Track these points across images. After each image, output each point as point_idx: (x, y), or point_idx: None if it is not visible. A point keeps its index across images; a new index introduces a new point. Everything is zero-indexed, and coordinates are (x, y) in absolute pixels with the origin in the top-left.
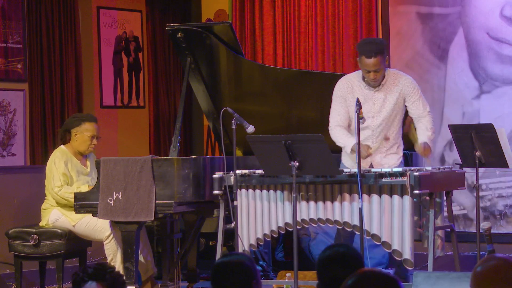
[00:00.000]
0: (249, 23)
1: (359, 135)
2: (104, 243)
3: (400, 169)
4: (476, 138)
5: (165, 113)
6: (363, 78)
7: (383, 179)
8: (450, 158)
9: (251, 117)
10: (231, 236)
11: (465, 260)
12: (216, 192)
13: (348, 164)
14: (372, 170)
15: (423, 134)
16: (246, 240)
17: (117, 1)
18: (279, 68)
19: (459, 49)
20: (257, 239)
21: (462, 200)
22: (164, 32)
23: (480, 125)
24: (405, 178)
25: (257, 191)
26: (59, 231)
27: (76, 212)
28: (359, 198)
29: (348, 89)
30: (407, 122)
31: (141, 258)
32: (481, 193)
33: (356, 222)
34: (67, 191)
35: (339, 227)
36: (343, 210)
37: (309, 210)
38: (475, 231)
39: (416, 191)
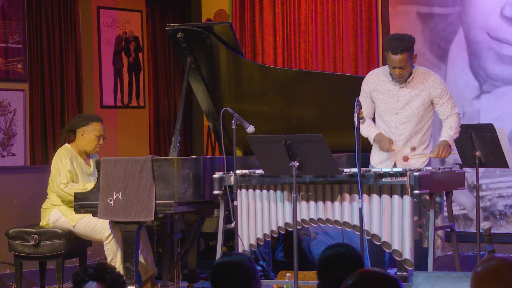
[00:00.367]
0: (249, 23)
1: (359, 135)
2: (104, 243)
3: (400, 169)
4: (476, 138)
5: (165, 113)
6: (391, 74)
7: (383, 179)
8: (450, 158)
9: (251, 117)
10: (231, 236)
11: (465, 260)
12: (216, 192)
13: (375, 162)
14: (372, 170)
15: (445, 132)
16: (246, 240)
17: (117, 1)
18: (279, 68)
19: (459, 49)
20: (257, 239)
21: (462, 200)
22: (164, 32)
23: (480, 125)
24: (405, 178)
25: (257, 191)
26: (59, 231)
27: (76, 212)
28: (359, 198)
29: (374, 83)
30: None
31: (141, 258)
32: (481, 193)
33: (356, 222)
34: (73, 188)
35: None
36: (343, 210)
37: (309, 210)
38: (475, 231)
39: (416, 191)
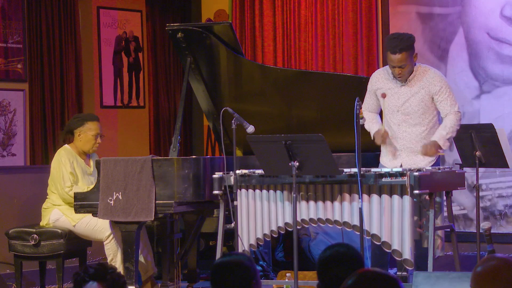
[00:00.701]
0: (249, 23)
1: (359, 135)
2: (104, 243)
3: (400, 169)
4: (476, 138)
5: (165, 113)
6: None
7: (383, 179)
8: (450, 158)
9: (251, 117)
10: (231, 236)
11: (465, 260)
12: (216, 192)
13: (383, 161)
14: (372, 170)
15: (438, 132)
16: (246, 240)
17: (117, 1)
18: (279, 68)
19: (459, 49)
20: (257, 239)
21: (462, 200)
22: (164, 32)
23: (480, 125)
24: (405, 178)
25: (257, 191)
26: (59, 231)
27: (76, 212)
28: (359, 198)
29: (377, 82)
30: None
31: (141, 258)
32: (481, 193)
33: (356, 222)
34: (77, 191)
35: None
36: (343, 210)
37: (309, 210)
38: (475, 231)
39: (416, 191)
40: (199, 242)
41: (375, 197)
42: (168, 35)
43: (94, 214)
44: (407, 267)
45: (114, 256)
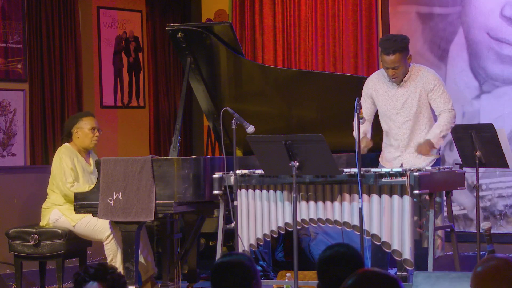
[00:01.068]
0: (249, 23)
1: (359, 135)
2: (104, 243)
3: (399, 169)
4: (476, 138)
5: (165, 113)
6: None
7: (383, 179)
8: (450, 158)
9: (251, 117)
10: (231, 236)
11: (465, 260)
12: (216, 192)
13: (383, 162)
14: (372, 170)
15: (432, 131)
16: (246, 240)
17: (117, 1)
18: (279, 68)
19: (459, 49)
20: (257, 239)
21: (462, 200)
22: (164, 32)
23: (480, 125)
24: (405, 178)
25: (257, 191)
26: (59, 231)
27: (76, 212)
28: (359, 198)
29: (375, 85)
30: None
31: (141, 258)
32: (481, 193)
33: (356, 222)
34: (79, 189)
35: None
36: (343, 210)
37: (309, 210)
38: (475, 231)
39: (416, 191)
40: (199, 242)
41: (375, 197)
42: (168, 35)
43: (94, 214)
44: (407, 267)
45: (114, 256)
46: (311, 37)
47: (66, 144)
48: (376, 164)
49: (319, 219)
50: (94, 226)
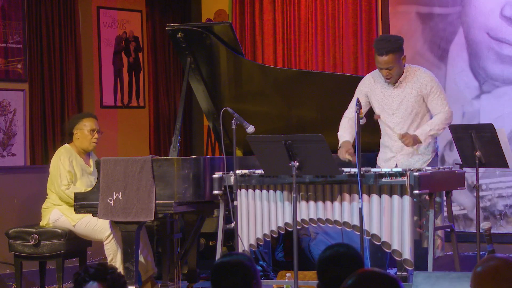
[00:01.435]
0: (249, 23)
1: (359, 135)
2: (104, 243)
3: (399, 169)
4: (476, 138)
5: (165, 113)
6: None
7: (383, 179)
8: (450, 158)
9: (251, 117)
10: (231, 236)
11: (465, 260)
12: (216, 192)
13: (380, 162)
14: (372, 170)
15: (422, 127)
16: (246, 240)
17: (117, 1)
18: (279, 68)
19: (459, 49)
20: (257, 239)
21: (462, 200)
22: (164, 32)
23: (480, 125)
24: (405, 178)
25: (257, 191)
26: (59, 231)
27: (76, 212)
28: (359, 198)
29: (370, 85)
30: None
31: (141, 258)
32: (481, 193)
33: (356, 222)
34: (75, 190)
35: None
36: (343, 210)
37: (309, 210)
38: (475, 231)
39: (416, 191)
40: (199, 242)
41: (375, 197)
42: (168, 35)
43: (94, 214)
44: (407, 267)
45: (114, 256)
46: (311, 37)
47: (66, 145)
48: (375, 163)
49: (319, 219)
50: (94, 226)
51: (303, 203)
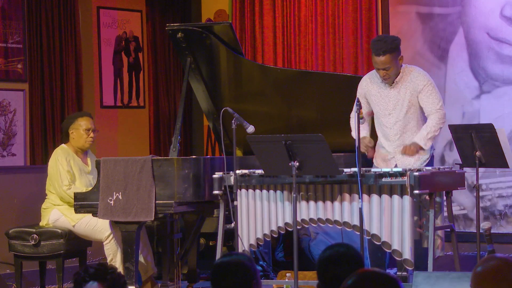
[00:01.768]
0: (249, 23)
1: (359, 135)
2: (104, 243)
3: (399, 169)
4: (476, 138)
5: (165, 113)
6: None
7: (383, 179)
8: (450, 158)
9: (251, 117)
10: (231, 236)
11: (465, 260)
12: (216, 192)
13: (378, 162)
14: (372, 170)
15: (419, 133)
16: (246, 240)
17: (117, 1)
18: (279, 68)
19: (459, 49)
20: (257, 239)
21: (462, 200)
22: (164, 32)
23: (480, 125)
24: (405, 178)
25: (257, 191)
26: (59, 231)
27: (76, 212)
28: (359, 198)
29: (367, 85)
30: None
31: (141, 258)
32: (481, 193)
33: (356, 222)
34: (76, 190)
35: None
36: (343, 210)
37: (309, 210)
38: (475, 231)
39: (416, 191)
40: (199, 242)
41: (375, 197)
42: (168, 35)
43: (94, 214)
44: (407, 267)
45: (114, 256)
46: (311, 37)
47: (63, 145)
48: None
49: (319, 219)
50: (94, 226)
51: (303, 203)
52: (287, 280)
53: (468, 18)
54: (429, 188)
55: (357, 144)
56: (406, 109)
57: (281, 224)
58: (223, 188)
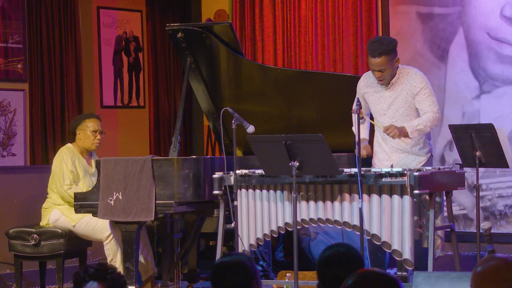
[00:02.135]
0: (249, 23)
1: (359, 135)
2: (104, 243)
3: (400, 169)
4: (476, 138)
5: (165, 113)
6: None
7: (383, 179)
8: (450, 158)
9: (251, 117)
10: (231, 236)
11: (465, 260)
12: (216, 192)
13: (375, 162)
14: (372, 170)
15: (411, 121)
16: (246, 240)
17: (117, 1)
18: (279, 68)
19: (459, 49)
20: (257, 239)
21: (462, 200)
22: (164, 32)
23: (480, 125)
24: (405, 178)
25: (257, 191)
26: (59, 231)
27: (76, 212)
28: (359, 198)
29: (365, 86)
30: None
31: (141, 258)
32: (481, 193)
33: (356, 222)
34: (77, 189)
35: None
36: (343, 210)
37: (309, 210)
38: (475, 231)
39: (416, 191)
40: (199, 242)
41: (375, 197)
42: (168, 35)
43: (94, 214)
44: (407, 267)
45: (114, 256)
46: (311, 37)
47: (69, 144)
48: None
49: (319, 219)
50: (94, 226)
51: (303, 203)
52: (287, 280)
53: (468, 18)
54: (429, 188)
55: (357, 144)
56: (402, 110)
57: (281, 224)
58: (223, 188)
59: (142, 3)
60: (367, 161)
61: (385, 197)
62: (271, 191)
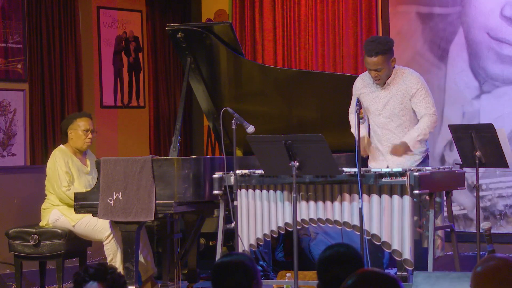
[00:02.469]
0: (249, 23)
1: (359, 135)
2: (104, 243)
3: (400, 169)
4: (476, 138)
5: (165, 113)
6: None
7: (383, 179)
8: (450, 158)
9: (251, 117)
10: (231, 236)
11: (465, 260)
12: (216, 192)
13: (371, 162)
14: (372, 170)
15: (409, 133)
16: (246, 240)
17: (117, 1)
18: (279, 68)
19: (459, 49)
20: (257, 239)
21: (462, 200)
22: (164, 32)
23: (480, 125)
24: (405, 178)
25: (257, 191)
26: (59, 231)
27: (76, 212)
28: (359, 198)
29: (361, 86)
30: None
31: (141, 258)
32: (481, 193)
33: (356, 222)
34: (74, 191)
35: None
36: (343, 210)
37: (309, 210)
38: (475, 231)
39: (416, 191)
40: (199, 242)
41: (375, 197)
42: (168, 35)
43: (94, 214)
44: (407, 267)
45: (114, 256)
46: (311, 37)
47: (61, 146)
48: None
49: (319, 219)
50: (94, 226)
51: (303, 203)
52: (287, 280)
53: (468, 18)
54: (429, 188)
55: (357, 144)
56: (398, 110)
57: (281, 224)
58: (223, 188)
59: (142, 3)
60: (365, 161)
61: (385, 197)
62: (271, 191)
